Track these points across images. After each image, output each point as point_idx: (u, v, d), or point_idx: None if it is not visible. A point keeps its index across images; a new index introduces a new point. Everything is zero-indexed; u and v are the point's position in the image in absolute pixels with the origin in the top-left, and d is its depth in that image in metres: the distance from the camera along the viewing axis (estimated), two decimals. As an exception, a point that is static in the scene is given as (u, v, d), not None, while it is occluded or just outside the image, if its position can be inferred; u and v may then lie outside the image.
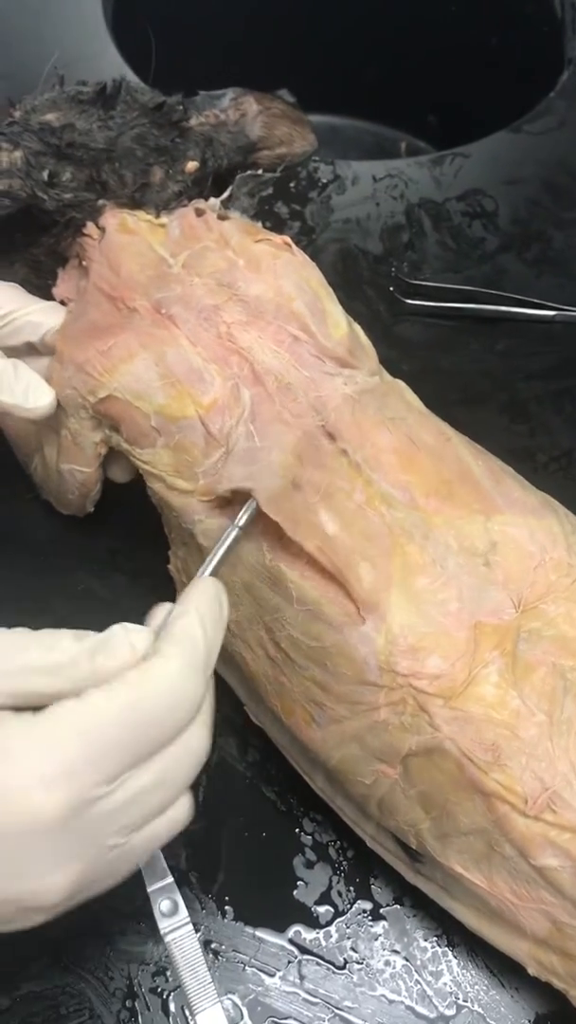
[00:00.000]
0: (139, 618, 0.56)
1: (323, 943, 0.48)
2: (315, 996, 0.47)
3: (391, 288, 0.72)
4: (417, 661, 0.42)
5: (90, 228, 0.54)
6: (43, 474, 0.56)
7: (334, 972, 0.47)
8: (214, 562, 0.43)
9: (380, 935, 0.49)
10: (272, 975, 0.47)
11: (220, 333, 0.49)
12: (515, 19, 0.99)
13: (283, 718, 0.46)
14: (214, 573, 0.42)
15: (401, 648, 0.42)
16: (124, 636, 0.37)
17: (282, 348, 0.49)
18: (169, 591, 0.52)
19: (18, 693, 0.35)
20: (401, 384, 0.52)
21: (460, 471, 0.47)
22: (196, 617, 0.39)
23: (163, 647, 0.37)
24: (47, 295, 0.55)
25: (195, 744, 0.37)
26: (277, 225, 0.76)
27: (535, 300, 0.71)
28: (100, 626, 0.55)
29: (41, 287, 0.55)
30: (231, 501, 0.46)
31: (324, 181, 0.79)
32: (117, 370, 0.48)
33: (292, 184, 0.78)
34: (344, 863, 0.50)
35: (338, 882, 0.50)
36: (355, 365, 0.50)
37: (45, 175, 0.53)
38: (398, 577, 0.43)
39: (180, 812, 0.38)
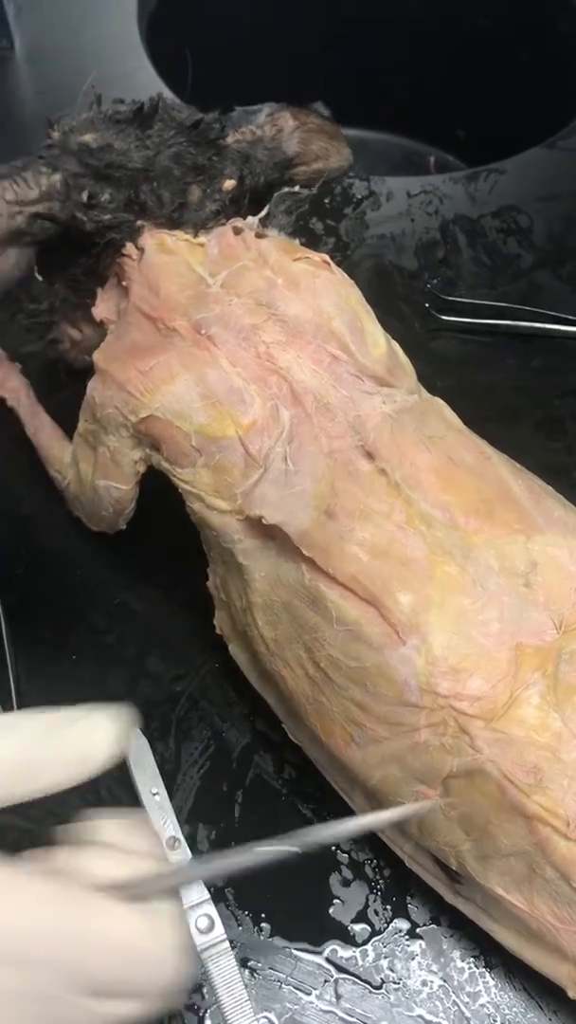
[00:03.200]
0: (174, 634, 0.57)
1: (360, 962, 0.48)
2: (352, 1015, 0.47)
3: (426, 304, 0.72)
4: (458, 682, 0.42)
5: (129, 248, 0.54)
6: (76, 490, 0.56)
7: (371, 991, 0.47)
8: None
9: (417, 955, 0.48)
10: (309, 993, 0.47)
11: (259, 353, 0.49)
12: (546, 34, 0.99)
13: (322, 738, 0.46)
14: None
15: (442, 669, 0.42)
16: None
17: (321, 368, 0.49)
18: (204, 606, 0.52)
19: None
20: (439, 402, 0.52)
21: (500, 490, 0.47)
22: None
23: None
24: (86, 315, 0.55)
25: None
26: (312, 241, 0.76)
27: (570, 317, 0.71)
28: (137, 638, 0.57)
29: (80, 307, 0.56)
30: (270, 525, 0.46)
31: (359, 197, 0.79)
32: (159, 390, 0.48)
33: (327, 200, 0.78)
34: (381, 882, 0.50)
35: (375, 901, 0.50)
36: (394, 384, 0.50)
37: (84, 196, 0.53)
38: (437, 598, 0.43)
39: None
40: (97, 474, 0.53)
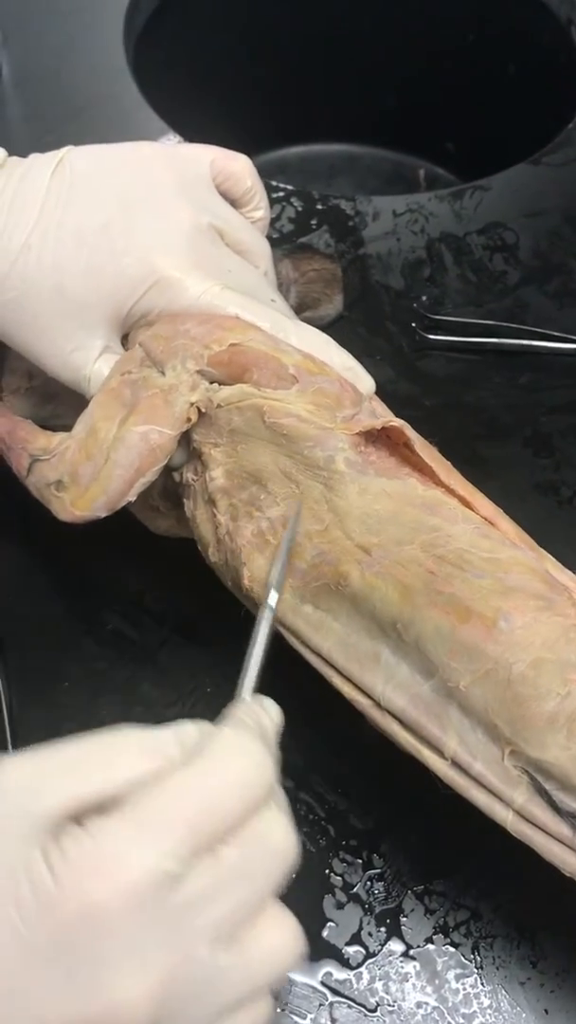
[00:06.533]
0: (165, 660, 0.57)
1: (354, 985, 0.48)
2: (347, 1039, 0.47)
3: (413, 323, 0.72)
4: None
5: None
6: (75, 458, 0.51)
7: (366, 1015, 0.47)
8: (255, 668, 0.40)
9: (411, 976, 0.49)
10: (304, 1018, 0.47)
11: None
12: (532, 49, 1.00)
13: (451, 629, 0.42)
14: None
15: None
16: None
17: None
18: (194, 632, 0.52)
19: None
20: None
21: None
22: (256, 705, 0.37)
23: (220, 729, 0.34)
24: None
25: (274, 837, 0.32)
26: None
27: (557, 333, 0.71)
28: (129, 665, 0.57)
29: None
30: (377, 437, 0.48)
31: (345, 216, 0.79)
32: (253, 327, 0.49)
33: (313, 222, 0.79)
34: (374, 904, 0.50)
35: (368, 923, 0.50)
36: None
37: None
38: None
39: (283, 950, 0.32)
40: (135, 421, 0.49)
